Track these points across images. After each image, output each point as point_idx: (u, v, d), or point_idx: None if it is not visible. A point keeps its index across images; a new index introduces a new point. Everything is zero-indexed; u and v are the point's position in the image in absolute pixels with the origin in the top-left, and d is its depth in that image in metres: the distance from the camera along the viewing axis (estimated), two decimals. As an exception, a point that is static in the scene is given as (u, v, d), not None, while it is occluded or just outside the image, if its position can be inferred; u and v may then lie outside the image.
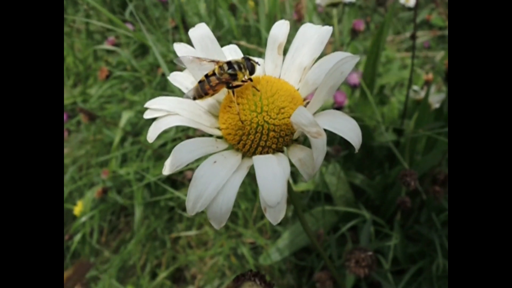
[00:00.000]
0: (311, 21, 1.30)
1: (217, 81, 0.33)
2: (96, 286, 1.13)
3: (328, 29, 0.35)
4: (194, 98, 0.33)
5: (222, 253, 1.13)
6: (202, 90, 0.33)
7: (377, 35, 1.00)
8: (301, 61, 0.36)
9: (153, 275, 1.17)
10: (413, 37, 0.86)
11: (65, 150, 1.55)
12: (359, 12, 1.97)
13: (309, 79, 0.34)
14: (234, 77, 0.33)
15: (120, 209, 1.35)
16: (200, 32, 0.38)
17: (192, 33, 0.38)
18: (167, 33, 1.40)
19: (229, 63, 0.33)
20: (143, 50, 1.69)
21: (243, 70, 0.33)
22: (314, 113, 0.30)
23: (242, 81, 0.33)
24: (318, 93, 0.29)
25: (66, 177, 1.40)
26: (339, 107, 1.02)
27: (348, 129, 0.27)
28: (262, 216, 1.13)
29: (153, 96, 1.38)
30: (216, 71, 0.33)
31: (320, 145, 0.25)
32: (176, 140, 1.24)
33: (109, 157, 1.36)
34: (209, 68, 0.35)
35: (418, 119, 0.95)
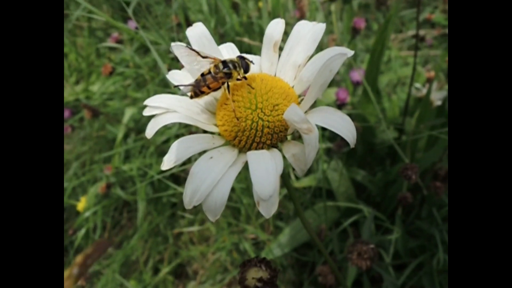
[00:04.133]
0: (313, 19, 1.30)
1: (212, 80, 0.34)
2: (99, 281, 1.14)
3: (321, 27, 0.36)
4: (191, 97, 0.35)
5: (224, 248, 1.14)
6: (198, 89, 0.34)
7: (381, 33, 1.00)
8: (295, 59, 0.36)
9: (156, 271, 1.18)
10: (417, 35, 0.87)
11: (68, 146, 1.55)
12: (361, 9, 1.97)
13: (303, 76, 0.35)
14: (229, 75, 0.34)
15: (123, 205, 1.36)
16: (198, 31, 0.39)
17: (190, 32, 0.39)
18: (170, 30, 1.41)
19: (224, 62, 0.34)
20: (145, 47, 1.70)
21: (237, 69, 0.34)
22: (308, 110, 0.31)
23: (237, 79, 0.34)
24: (310, 91, 0.30)
25: (69, 173, 1.41)
26: (341, 104, 1.03)
27: (341, 125, 0.28)
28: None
29: (156, 93, 1.39)
30: (212, 70, 0.34)
31: (312, 141, 0.26)
32: (178, 136, 1.24)
33: (112, 153, 1.37)
34: (204, 64, 0.36)
35: (420, 116, 0.96)
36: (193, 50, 0.36)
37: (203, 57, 0.36)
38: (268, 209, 0.26)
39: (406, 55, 1.71)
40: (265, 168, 0.27)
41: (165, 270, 1.14)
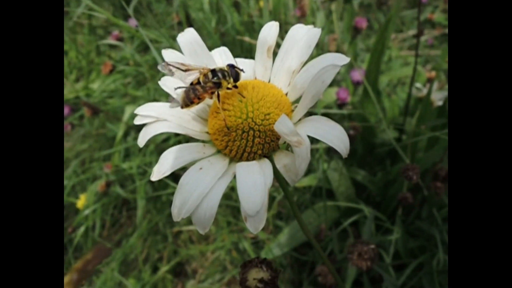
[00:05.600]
0: (314, 18, 1.30)
1: (201, 90, 0.33)
2: (98, 279, 1.14)
3: (316, 32, 0.35)
4: (182, 107, 0.34)
5: (223, 247, 1.13)
6: (188, 99, 0.33)
7: (381, 32, 1.00)
8: (290, 65, 0.35)
9: (155, 269, 1.18)
10: (418, 35, 0.87)
11: (68, 144, 1.55)
12: (362, 9, 1.97)
13: (297, 82, 0.34)
14: (218, 85, 0.33)
15: (122, 203, 1.35)
16: (189, 37, 0.38)
17: (181, 38, 0.38)
18: (171, 28, 1.40)
19: (213, 71, 0.34)
20: (146, 45, 1.70)
21: (227, 78, 0.33)
22: (300, 119, 0.30)
23: (227, 88, 0.33)
24: (303, 101, 0.30)
25: (69, 171, 1.41)
26: (342, 104, 1.03)
27: (333, 136, 0.27)
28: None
29: (156, 91, 1.38)
30: (201, 80, 0.33)
31: (303, 152, 0.25)
32: (179, 135, 1.24)
33: (112, 151, 1.37)
34: (194, 73, 0.35)
35: (420, 117, 0.96)
36: (179, 68, 0.35)
37: (193, 68, 0.36)
38: (255, 225, 0.25)
39: (407, 55, 1.71)
40: (253, 182, 0.26)
41: (164, 268, 1.14)
